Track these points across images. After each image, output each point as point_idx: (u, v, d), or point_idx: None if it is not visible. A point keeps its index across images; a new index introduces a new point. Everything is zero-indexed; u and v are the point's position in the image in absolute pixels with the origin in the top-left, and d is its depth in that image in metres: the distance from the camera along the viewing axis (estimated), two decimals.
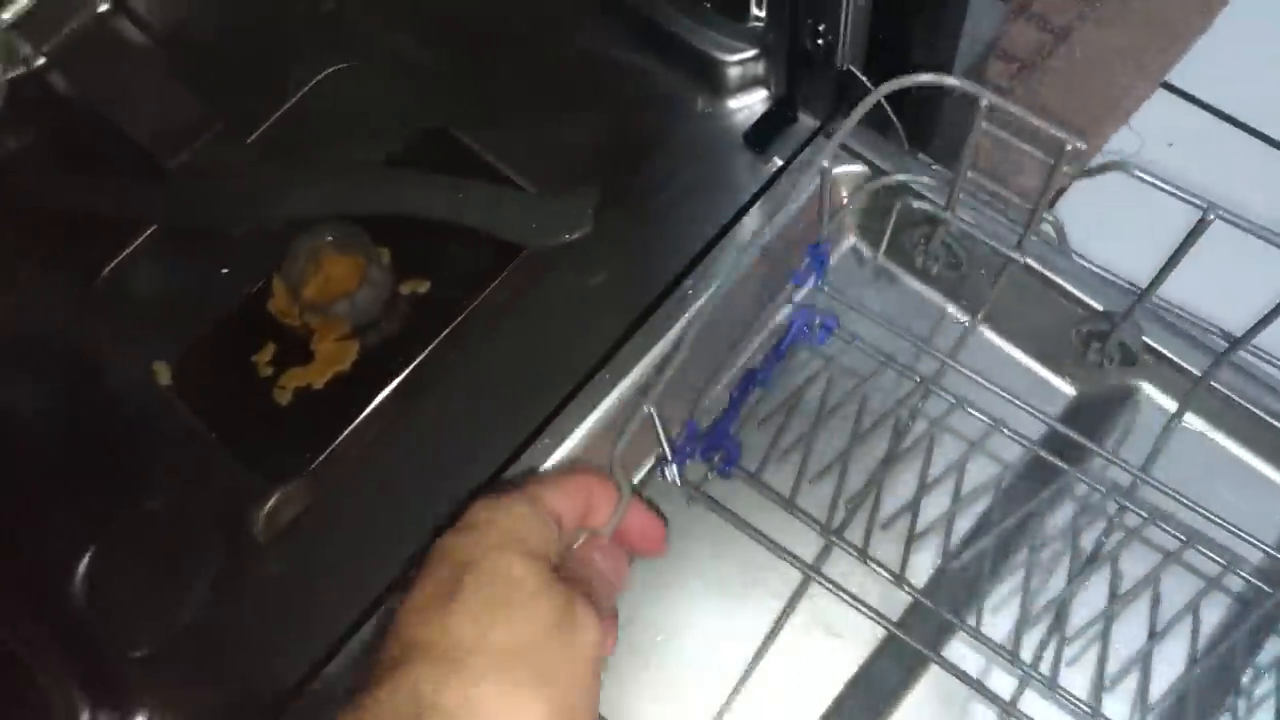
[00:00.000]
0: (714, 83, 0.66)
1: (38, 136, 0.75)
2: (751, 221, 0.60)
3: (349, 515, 0.59)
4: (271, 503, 0.60)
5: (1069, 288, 0.54)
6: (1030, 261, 0.53)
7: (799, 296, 0.59)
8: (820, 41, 0.57)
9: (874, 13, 0.55)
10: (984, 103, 0.42)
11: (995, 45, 0.90)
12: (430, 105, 0.70)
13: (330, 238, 0.65)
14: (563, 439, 0.56)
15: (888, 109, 0.59)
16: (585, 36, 0.70)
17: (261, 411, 0.63)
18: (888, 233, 0.59)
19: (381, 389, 0.63)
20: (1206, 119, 0.85)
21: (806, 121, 0.63)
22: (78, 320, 0.67)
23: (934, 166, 0.59)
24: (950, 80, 0.43)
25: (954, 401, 0.55)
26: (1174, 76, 0.86)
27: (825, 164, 0.49)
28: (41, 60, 0.76)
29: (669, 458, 0.51)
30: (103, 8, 0.78)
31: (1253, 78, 0.86)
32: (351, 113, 0.72)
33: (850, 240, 0.63)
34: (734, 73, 0.65)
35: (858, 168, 0.59)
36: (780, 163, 0.62)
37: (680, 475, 0.52)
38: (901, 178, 0.56)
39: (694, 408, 0.54)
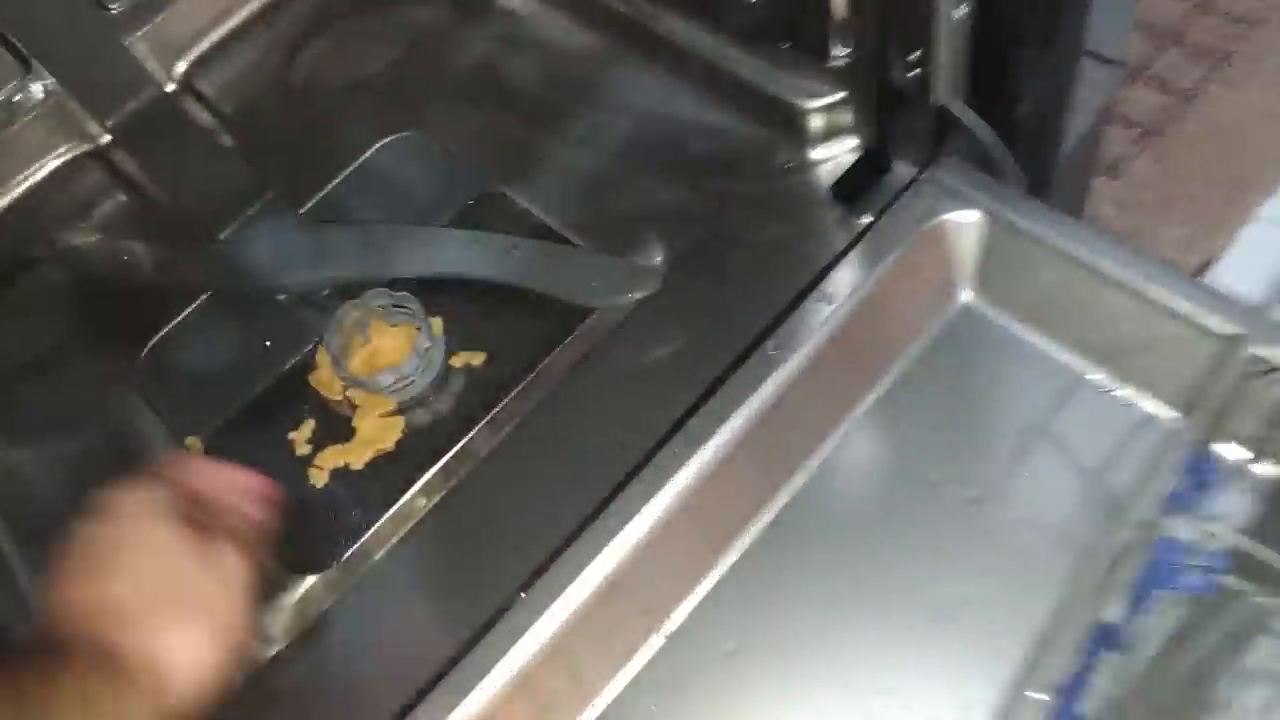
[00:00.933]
0: (795, 132, 0.60)
1: (96, 210, 0.73)
2: (844, 277, 0.53)
3: (381, 612, 0.52)
4: (296, 596, 0.53)
5: None
6: None
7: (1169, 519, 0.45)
8: (913, 75, 0.51)
9: (973, 37, 0.48)
10: None
11: (1112, 112, 0.83)
12: (489, 171, 0.66)
13: (378, 305, 0.60)
14: (628, 518, 0.48)
15: (995, 149, 0.52)
16: (649, 93, 0.65)
17: (294, 493, 0.56)
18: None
19: (426, 471, 0.56)
20: None
21: (901, 170, 0.57)
22: (119, 394, 0.63)
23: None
24: None
25: None
26: None
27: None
28: (107, 138, 0.75)
29: None
30: (169, 88, 0.77)
31: None
32: (408, 180, 0.68)
33: (967, 296, 0.55)
34: (817, 120, 0.59)
35: (973, 215, 0.52)
36: (871, 217, 0.55)
37: None
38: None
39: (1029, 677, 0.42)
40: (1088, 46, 0.52)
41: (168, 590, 0.42)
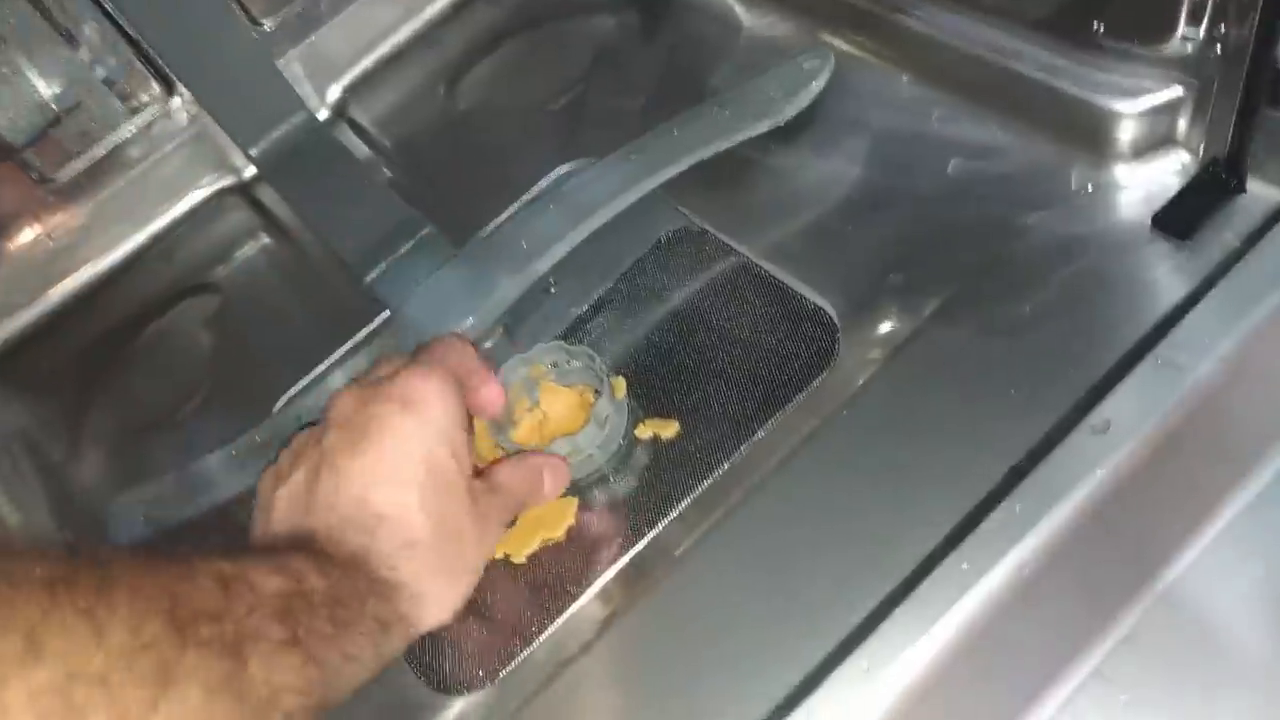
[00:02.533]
0: (1099, 147, 0.45)
1: (238, 249, 0.65)
2: (1194, 334, 0.37)
3: None
4: None
5: None
6: None
7: None
8: None
9: None
10: None
11: None
12: (689, 204, 0.54)
13: (550, 361, 0.48)
14: (884, 664, 0.34)
15: None
16: (892, 103, 0.52)
17: None
18: None
19: (605, 569, 0.43)
20: None
21: (1260, 191, 0.41)
22: (239, 464, 0.53)
23: None
24: None
25: None
26: None
27: None
28: (251, 170, 0.67)
29: None
30: (322, 114, 0.69)
31: None
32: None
33: None
34: (1134, 129, 0.44)
35: None
36: (1227, 249, 0.40)
37: None
38: None
39: None
40: None
41: (449, 521, 0.38)
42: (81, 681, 0.23)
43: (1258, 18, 0.36)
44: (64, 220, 0.63)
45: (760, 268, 0.49)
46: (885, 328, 0.45)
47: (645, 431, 0.47)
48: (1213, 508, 0.37)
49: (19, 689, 0.22)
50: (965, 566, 0.35)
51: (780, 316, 0.48)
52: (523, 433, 0.48)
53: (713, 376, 0.47)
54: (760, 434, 0.44)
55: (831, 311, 0.47)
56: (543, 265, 0.52)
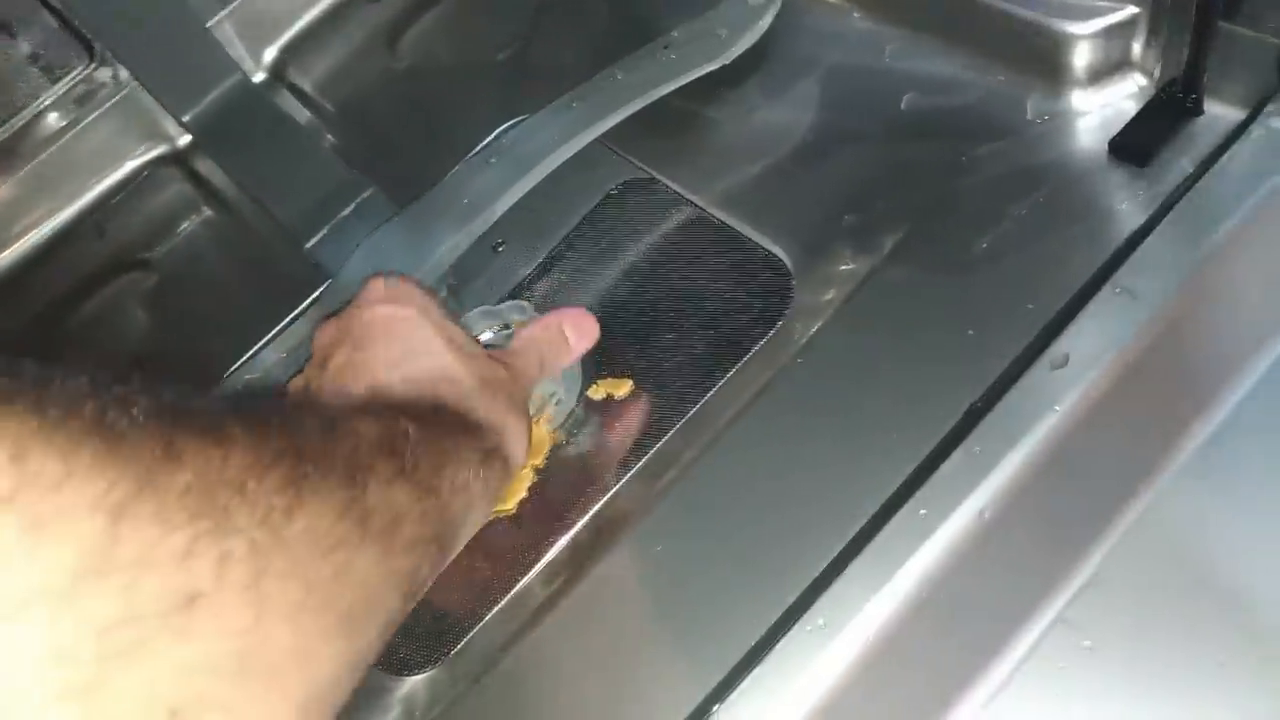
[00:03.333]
0: (1053, 73, 0.43)
1: (176, 221, 0.63)
2: (1149, 265, 0.36)
3: None
4: (393, 706, 0.40)
5: None
6: None
7: None
8: None
9: None
10: None
11: None
12: (636, 154, 0.52)
13: (501, 325, 0.47)
14: (845, 623, 0.32)
15: None
16: (841, 38, 0.50)
17: None
18: None
19: (556, 539, 0.42)
20: None
21: (1218, 113, 0.40)
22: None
23: None
24: None
25: None
26: None
27: None
28: (186, 138, 0.64)
29: None
30: (258, 77, 0.66)
31: None
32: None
33: None
34: (1087, 53, 0.42)
35: None
36: (1184, 174, 0.39)
37: None
38: None
39: None
40: None
41: (484, 371, 0.39)
42: (221, 486, 0.23)
43: None
44: None
45: (713, 217, 0.48)
46: (840, 271, 0.43)
47: (598, 392, 0.46)
48: (1175, 441, 0.36)
49: (168, 487, 0.22)
50: (923, 513, 0.33)
51: (733, 266, 0.46)
52: None
53: (666, 330, 0.46)
54: (713, 392, 0.42)
55: (785, 258, 0.45)
56: (486, 221, 0.50)
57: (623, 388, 0.45)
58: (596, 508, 0.42)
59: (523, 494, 0.44)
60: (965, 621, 0.34)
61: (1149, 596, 0.34)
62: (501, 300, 0.49)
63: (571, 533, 0.42)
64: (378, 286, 0.41)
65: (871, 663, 0.32)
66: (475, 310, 0.47)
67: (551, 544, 0.42)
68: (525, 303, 0.48)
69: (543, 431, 0.45)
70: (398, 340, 0.39)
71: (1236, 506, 0.35)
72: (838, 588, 0.33)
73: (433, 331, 0.39)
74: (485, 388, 0.38)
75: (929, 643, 0.33)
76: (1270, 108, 0.38)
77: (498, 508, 0.43)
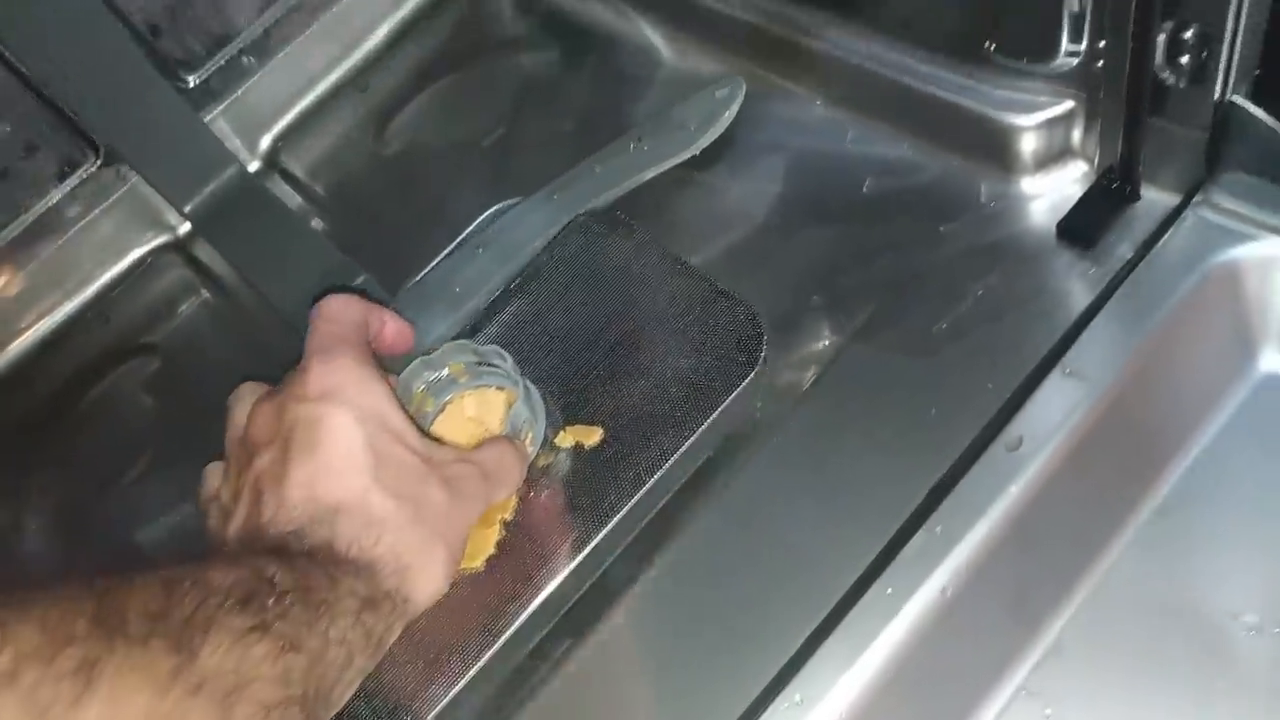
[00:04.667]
0: (1003, 159, 0.46)
1: (178, 307, 0.65)
2: (1096, 345, 0.39)
3: None
4: None
5: None
6: None
7: None
8: (1186, 60, 0.37)
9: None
10: None
11: None
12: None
13: (460, 363, 0.44)
14: (822, 693, 0.34)
15: None
16: (806, 126, 0.53)
17: None
18: None
19: (531, 600, 0.42)
20: None
21: (1155, 197, 0.43)
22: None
23: None
24: None
25: None
26: None
27: None
28: (186, 226, 0.67)
29: None
30: (253, 166, 0.69)
31: None
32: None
33: (1271, 360, 0.40)
34: (1033, 142, 0.45)
35: (1278, 248, 0.38)
36: (1125, 258, 0.41)
37: None
38: None
39: None
40: None
41: (410, 493, 0.36)
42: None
43: (1131, 33, 0.37)
44: None
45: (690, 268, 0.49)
46: (809, 351, 0.46)
47: (567, 440, 0.45)
48: (1125, 514, 0.38)
49: None
50: (890, 591, 0.36)
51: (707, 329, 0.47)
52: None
53: (639, 381, 0.45)
54: (684, 448, 0.43)
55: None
56: (475, 307, 0.53)
57: (592, 436, 0.44)
58: (561, 577, 0.41)
59: (491, 550, 0.43)
60: (932, 694, 0.36)
61: (1106, 662, 0.36)
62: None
63: (539, 599, 0.41)
64: (317, 367, 0.37)
65: None
66: (414, 364, 0.44)
67: (520, 610, 0.41)
68: (466, 341, 0.46)
69: (483, 530, 0.43)
70: (320, 451, 0.35)
71: (1186, 572, 0.38)
72: (812, 665, 0.35)
73: (360, 445, 0.36)
74: (402, 517, 0.35)
75: (899, 715, 0.35)
76: (1198, 197, 0.40)
77: (465, 564, 0.42)
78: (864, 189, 0.50)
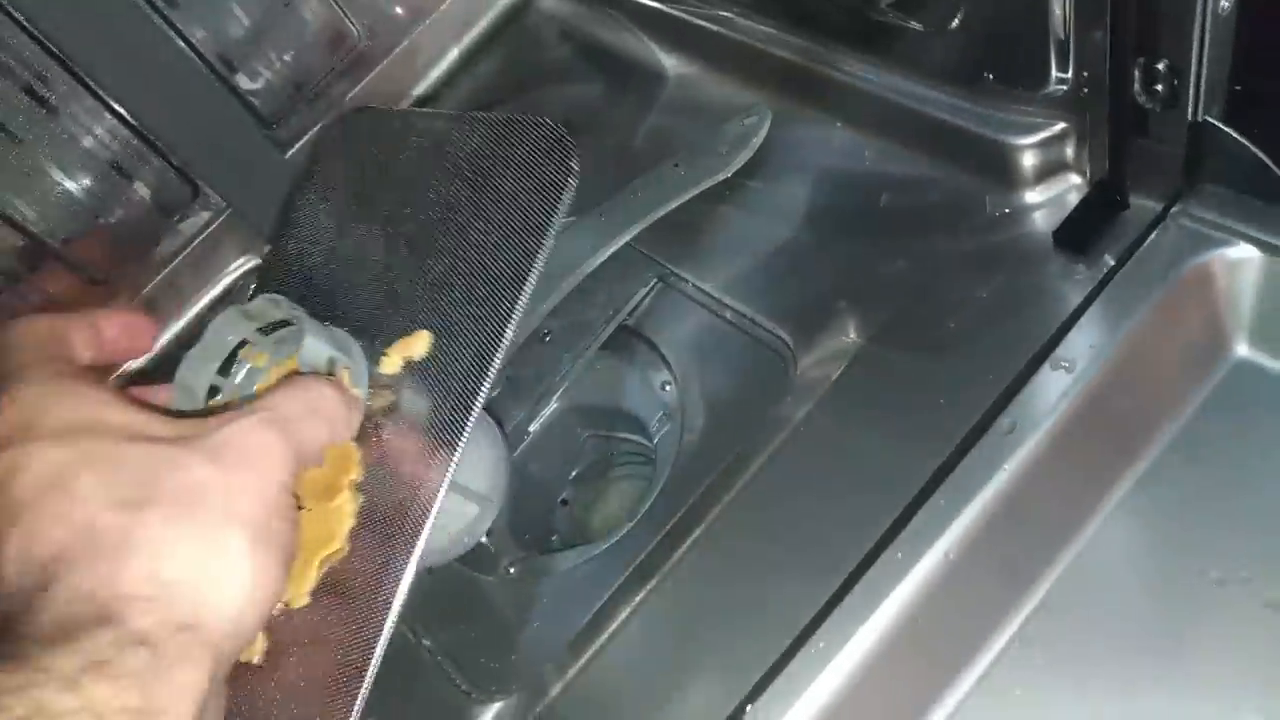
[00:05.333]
0: (1005, 175, 0.51)
1: None
2: (1085, 339, 0.44)
3: None
4: None
5: None
6: None
7: None
8: (1160, 87, 0.42)
9: (1240, 33, 0.40)
10: None
11: None
12: (656, 255, 0.60)
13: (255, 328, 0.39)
14: (836, 649, 0.40)
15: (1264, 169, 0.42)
16: (827, 151, 0.59)
17: None
18: None
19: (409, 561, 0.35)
20: None
21: (1141, 206, 0.47)
22: None
23: None
24: None
25: None
26: None
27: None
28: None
29: None
30: None
31: None
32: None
33: (1242, 350, 0.45)
34: (1031, 159, 0.50)
35: (1244, 251, 0.42)
36: (1111, 262, 0.46)
37: None
38: None
39: None
40: None
41: (159, 490, 0.28)
42: None
43: (1109, 67, 0.42)
44: None
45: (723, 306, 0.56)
46: (834, 347, 0.51)
47: (393, 363, 0.38)
48: (1108, 488, 0.43)
49: None
50: (899, 556, 0.41)
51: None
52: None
53: (439, 260, 0.40)
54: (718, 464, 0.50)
55: (788, 338, 0.53)
56: (532, 323, 0.59)
57: (418, 343, 0.37)
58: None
59: (350, 522, 0.35)
60: (937, 643, 0.41)
61: (1090, 615, 0.41)
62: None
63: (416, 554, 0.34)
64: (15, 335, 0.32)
65: (861, 681, 0.40)
66: (218, 320, 0.38)
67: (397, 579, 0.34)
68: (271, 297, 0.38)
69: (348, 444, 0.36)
70: (22, 501, 0.28)
71: (1163, 536, 0.42)
72: (834, 618, 0.40)
73: (69, 468, 0.28)
74: (152, 523, 0.28)
75: (908, 661, 0.41)
76: (1177, 207, 0.45)
77: (325, 550, 0.35)
78: (881, 203, 0.55)
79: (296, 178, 0.48)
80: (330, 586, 0.35)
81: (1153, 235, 0.45)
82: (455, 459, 0.35)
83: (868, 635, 0.40)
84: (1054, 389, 0.43)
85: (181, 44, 0.65)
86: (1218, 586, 0.40)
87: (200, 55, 0.67)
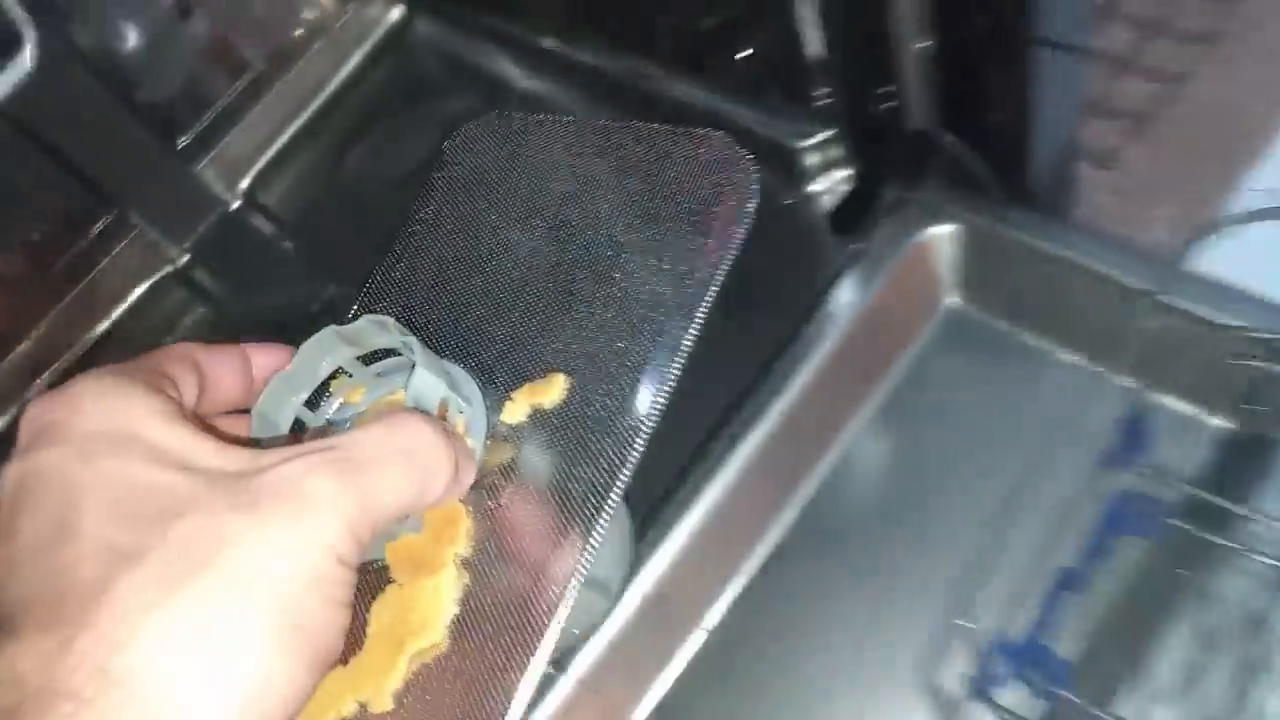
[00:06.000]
0: (792, 171, 0.65)
1: (180, 324, 0.82)
2: (842, 296, 0.57)
3: None
4: None
5: None
6: None
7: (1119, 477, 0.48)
8: (887, 106, 0.56)
9: (942, 69, 0.53)
10: None
11: (1100, 106, 0.86)
12: None
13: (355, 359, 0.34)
14: (665, 533, 0.53)
15: (971, 164, 0.56)
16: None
17: None
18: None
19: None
20: None
21: (890, 195, 0.61)
22: None
23: None
24: None
25: None
26: None
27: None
28: (186, 258, 0.83)
29: (980, 682, 0.45)
30: (235, 205, 0.85)
31: None
32: None
33: (952, 301, 0.59)
34: (811, 157, 0.64)
35: (949, 229, 0.57)
36: (867, 235, 0.60)
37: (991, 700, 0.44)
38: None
39: (1005, 618, 0.45)
40: (1041, 33, 0.56)
41: (169, 528, 0.23)
42: None
43: (847, 87, 0.56)
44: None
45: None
46: None
47: (518, 410, 0.32)
48: (857, 407, 0.57)
49: None
50: (707, 463, 0.54)
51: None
52: None
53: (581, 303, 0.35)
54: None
55: None
56: None
57: (552, 387, 0.31)
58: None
59: (452, 609, 0.29)
60: (738, 524, 0.55)
61: (847, 509, 0.55)
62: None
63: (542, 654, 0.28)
64: (28, 411, 0.26)
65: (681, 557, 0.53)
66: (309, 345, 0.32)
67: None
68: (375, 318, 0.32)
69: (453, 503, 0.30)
70: (11, 529, 0.24)
71: (896, 446, 0.57)
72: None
73: (78, 489, 0.24)
74: (136, 596, 0.22)
75: (716, 537, 0.54)
76: (910, 195, 0.59)
77: (417, 643, 0.29)
78: None
79: (419, 192, 0.43)
80: (421, 688, 0.28)
81: (891, 217, 0.59)
82: (594, 541, 0.28)
83: (687, 529, 0.53)
84: (825, 334, 0.56)
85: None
86: (937, 481, 0.54)
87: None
